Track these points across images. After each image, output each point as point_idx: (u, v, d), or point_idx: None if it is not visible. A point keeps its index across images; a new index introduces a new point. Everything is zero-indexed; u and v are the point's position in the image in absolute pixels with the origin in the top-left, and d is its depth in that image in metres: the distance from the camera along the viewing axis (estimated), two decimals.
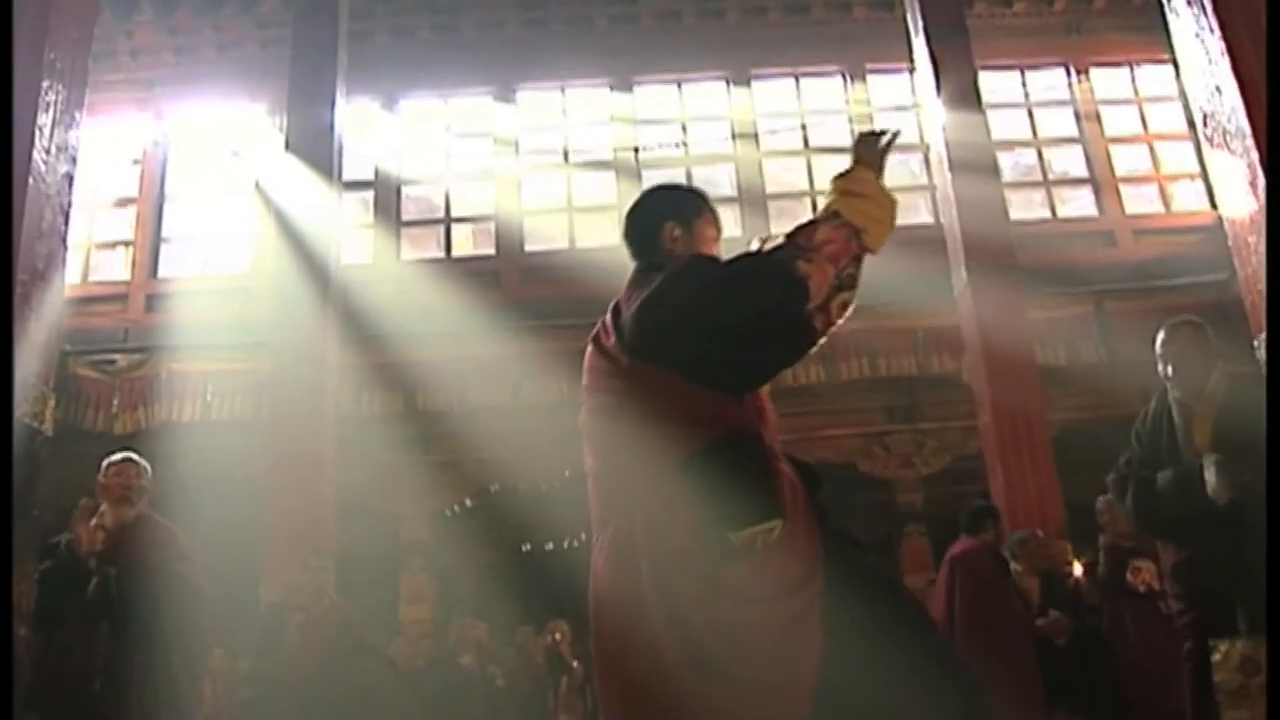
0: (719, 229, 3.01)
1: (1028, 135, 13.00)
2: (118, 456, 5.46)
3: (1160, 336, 4.37)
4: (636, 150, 12.56)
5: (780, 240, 2.68)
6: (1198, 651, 4.15)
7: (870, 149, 2.81)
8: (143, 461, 5.47)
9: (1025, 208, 12.47)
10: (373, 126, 12.85)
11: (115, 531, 5.23)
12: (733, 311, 2.56)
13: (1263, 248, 5.02)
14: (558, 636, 9.99)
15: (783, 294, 2.59)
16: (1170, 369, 4.31)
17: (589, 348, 2.83)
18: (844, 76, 13.10)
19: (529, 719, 9.24)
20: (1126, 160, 12.86)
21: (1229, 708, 3.95)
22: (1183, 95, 11.47)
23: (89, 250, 12.42)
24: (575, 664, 9.87)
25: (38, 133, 4.64)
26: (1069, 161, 12.95)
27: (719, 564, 2.41)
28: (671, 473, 2.47)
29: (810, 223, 2.69)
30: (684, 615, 2.41)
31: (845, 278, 2.71)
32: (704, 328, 2.55)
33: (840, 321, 2.75)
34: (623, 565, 2.52)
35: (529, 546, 12.92)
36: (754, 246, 2.75)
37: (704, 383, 2.53)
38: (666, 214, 2.93)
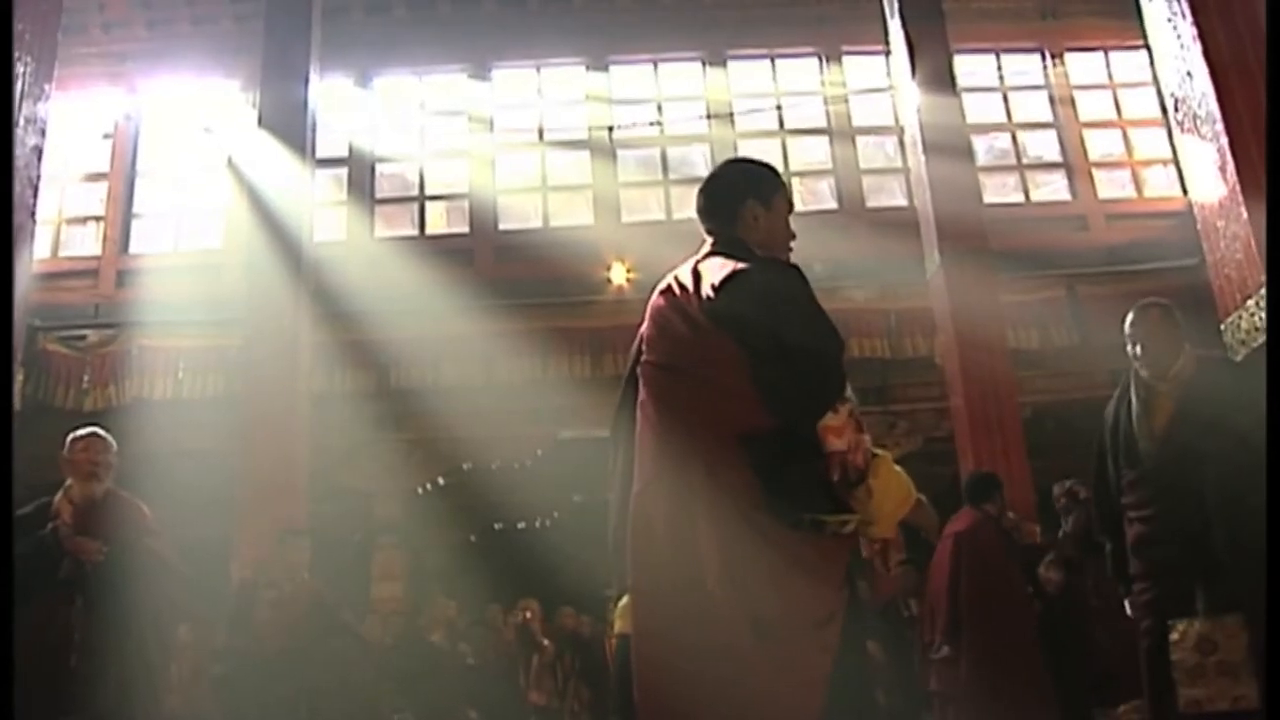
0: (791, 206, 3.06)
1: (1002, 119, 13.07)
2: (84, 431, 5.38)
3: (1130, 317, 4.43)
4: (611, 130, 12.55)
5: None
6: (1156, 630, 4.21)
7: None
8: (109, 437, 5.42)
9: (999, 191, 12.55)
10: (347, 103, 12.77)
11: (83, 507, 5.19)
12: (818, 334, 2.63)
13: (1231, 231, 5.08)
14: (529, 615, 10.02)
15: (840, 349, 2.67)
16: (1139, 349, 4.36)
17: (659, 300, 2.90)
18: (819, 58, 13.11)
19: (499, 696, 9.26)
20: (1100, 145, 12.96)
21: (1185, 686, 4.00)
22: (1156, 81, 11.52)
23: (59, 225, 12.35)
24: (546, 642, 9.90)
25: None
26: (1043, 146, 13.04)
27: (789, 538, 2.51)
28: (735, 443, 2.56)
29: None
30: (744, 577, 2.49)
31: None
32: (794, 331, 2.61)
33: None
34: (681, 518, 2.58)
35: (501, 525, 12.95)
36: None
37: (763, 383, 2.60)
38: (749, 192, 2.97)
